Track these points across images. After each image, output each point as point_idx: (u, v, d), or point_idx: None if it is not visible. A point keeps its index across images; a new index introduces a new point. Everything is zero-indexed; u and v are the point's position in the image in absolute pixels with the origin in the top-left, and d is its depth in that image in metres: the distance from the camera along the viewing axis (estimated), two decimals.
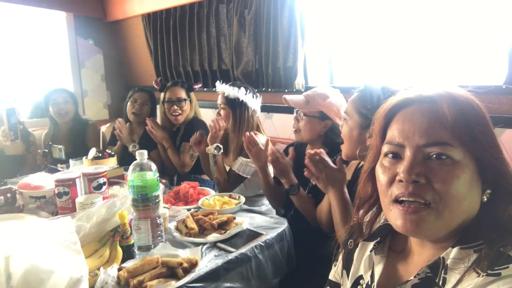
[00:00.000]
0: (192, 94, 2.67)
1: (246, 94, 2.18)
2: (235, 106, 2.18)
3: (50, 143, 2.61)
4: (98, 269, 1.16)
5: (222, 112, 2.24)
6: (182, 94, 2.58)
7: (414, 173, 0.64)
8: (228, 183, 2.19)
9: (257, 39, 2.72)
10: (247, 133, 1.90)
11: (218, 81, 2.26)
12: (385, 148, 0.72)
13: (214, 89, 2.35)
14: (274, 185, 1.93)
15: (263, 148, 1.83)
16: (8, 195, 1.61)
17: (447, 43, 2.05)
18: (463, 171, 0.64)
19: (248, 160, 2.11)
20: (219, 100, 2.25)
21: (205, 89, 3.27)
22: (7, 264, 0.89)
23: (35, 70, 3.70)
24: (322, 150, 1.43)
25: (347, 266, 0.86)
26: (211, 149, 2.13)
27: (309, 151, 1.44)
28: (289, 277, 1.49)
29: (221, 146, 2.14)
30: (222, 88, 2.21)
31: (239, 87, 2.19)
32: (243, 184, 2.25)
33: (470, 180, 0.64)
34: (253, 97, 2.21)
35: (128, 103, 2.78)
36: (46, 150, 2.54)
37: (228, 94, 2.18)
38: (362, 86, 1.42)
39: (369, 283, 0.77)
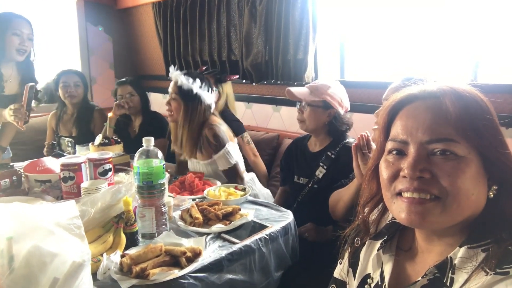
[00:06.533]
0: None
1: (201, 87, 1.99)
2: (187, 99, 1.97)
3: (59, 134, 2.59)
4: (101, 254, 1.15)
5: (172, 103, 2.01)
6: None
7: (418, 169, 0.64)
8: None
9: (267, 30, 2.68)
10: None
11: (171, 66, 2.05)
12: (389, 145, 0.71)
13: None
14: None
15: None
16: (14, 177, 1.61)
17: (463, 37, 2.01)
18: (468, 166, 0.63)
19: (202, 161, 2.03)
20: (171, 89, 2.01)
21: None
22: (10, 245, 0.88)
23: (44, 56, 3.69)
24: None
25: (353, 265, 0.85)
26: None
27: (363, 134, 1.35)
28: (291, 271, 1.48)
29: None
30: (175, 76, 1.99)
31: (194, 78, 1.98)
32: (214, 174, 2.07)
33: (476, 175, 0.63)
34: (208, 90, 2.03)
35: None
36: (55, 142, 2.49)
37: (181, 84, 1.96)
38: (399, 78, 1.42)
39: (379, 283, 0.76)
